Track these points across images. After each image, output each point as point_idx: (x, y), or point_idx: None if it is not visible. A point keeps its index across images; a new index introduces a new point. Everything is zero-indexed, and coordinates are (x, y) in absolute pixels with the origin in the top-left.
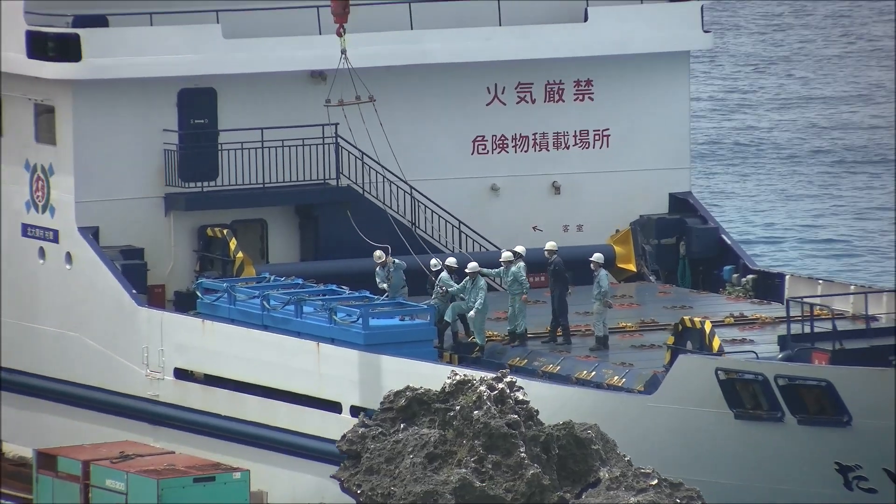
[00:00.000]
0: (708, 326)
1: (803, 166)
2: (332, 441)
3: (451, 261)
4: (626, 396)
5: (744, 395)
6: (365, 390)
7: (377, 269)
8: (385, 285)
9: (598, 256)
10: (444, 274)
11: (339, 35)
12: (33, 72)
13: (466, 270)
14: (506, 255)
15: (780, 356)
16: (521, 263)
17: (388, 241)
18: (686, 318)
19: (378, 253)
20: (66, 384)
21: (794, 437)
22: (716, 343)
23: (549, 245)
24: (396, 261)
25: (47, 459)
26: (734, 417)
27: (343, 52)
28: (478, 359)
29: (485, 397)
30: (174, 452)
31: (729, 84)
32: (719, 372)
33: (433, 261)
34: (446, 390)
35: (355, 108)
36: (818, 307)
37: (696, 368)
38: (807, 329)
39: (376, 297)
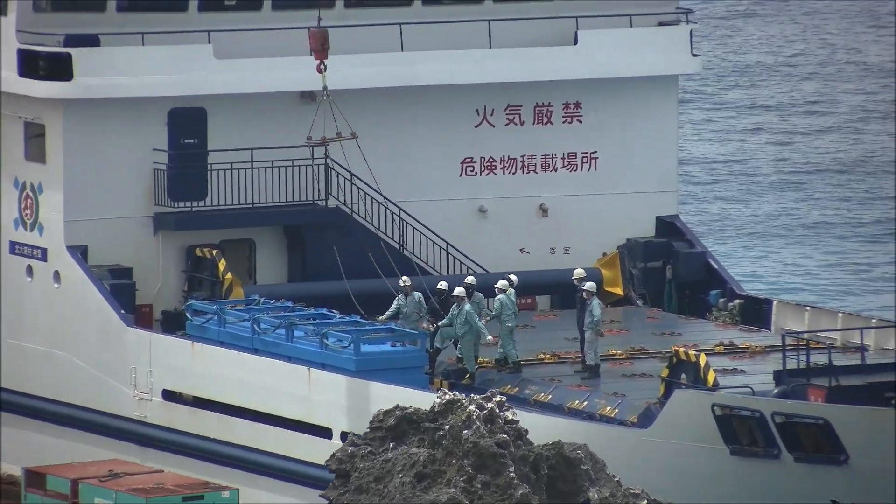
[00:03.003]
0: (703, 360)
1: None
2: (323, 467)
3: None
4: (621, 429)
5: (740, 431)
6: (355, 416)
7: (398, 296)
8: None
9: (590, 285)
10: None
11: (320, 72)
12: (24, 90)
13: (453, 295)
14: (501, 283)
15: (775, 392)
16: (512, 291)
17: (376, 262)
18: (680, 350)
19: (404, 278)
20: (53, 403)
21: (790, 475)
22: (711, 377)
23: (578, 272)
24: (417, 293)
25: (36, 477)
26: (730, 454)
27: (324, 88)
28: (469, 386)
29: (474, 417)
30: (163, 471)
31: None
32: (715, 408)
33: (442, 283)
34: (436, 409)
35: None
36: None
37: (691, 404)
38: (802, 363)
39: (366, 321)
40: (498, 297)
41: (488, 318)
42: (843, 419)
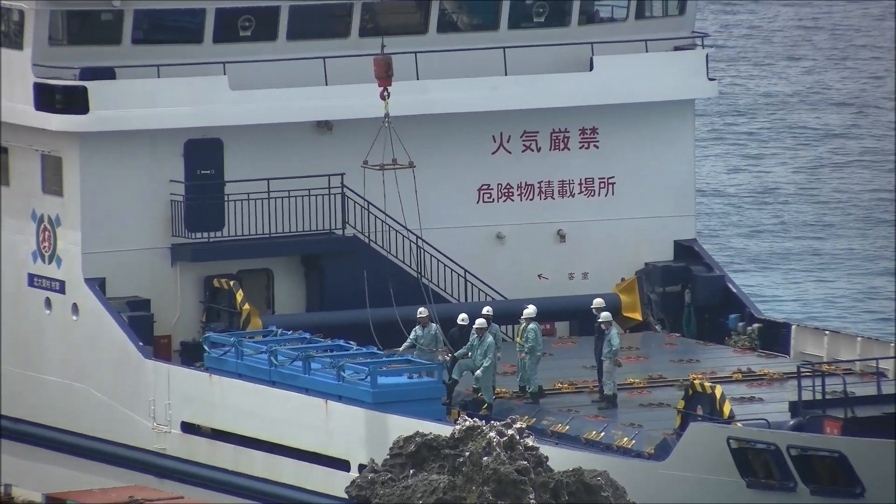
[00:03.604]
0: (719, 392)
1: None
2: (341, 499)
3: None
4: (637, 462)
5: (756, 464)
6: (373, 448)
7: (416, 328)
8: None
9: (606, 315)
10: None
11: (383, 98)
12: (41, 124)
13: (475, 327)
14: (528, 310)
15: (791, 423)
16: (535, 324)
17: (394, 290)
18: (696, 381)
19: (422, 309)
20: (73, 435)
21: None
22: (726, 409)
23: (597, 302)
24: (434, 324)
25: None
26: (746, 486)
27: (386, 115)
28: (486, 416)
29: (494, 443)
30: (183, 497)
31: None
32: (731, 441)
33: (462, 315)
34: (455, 436)
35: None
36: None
37: (707, 436)
38: (818, 394)
39: (383, 353)
40: (531, 326)
41: (525, 352)
42: (858, 452)
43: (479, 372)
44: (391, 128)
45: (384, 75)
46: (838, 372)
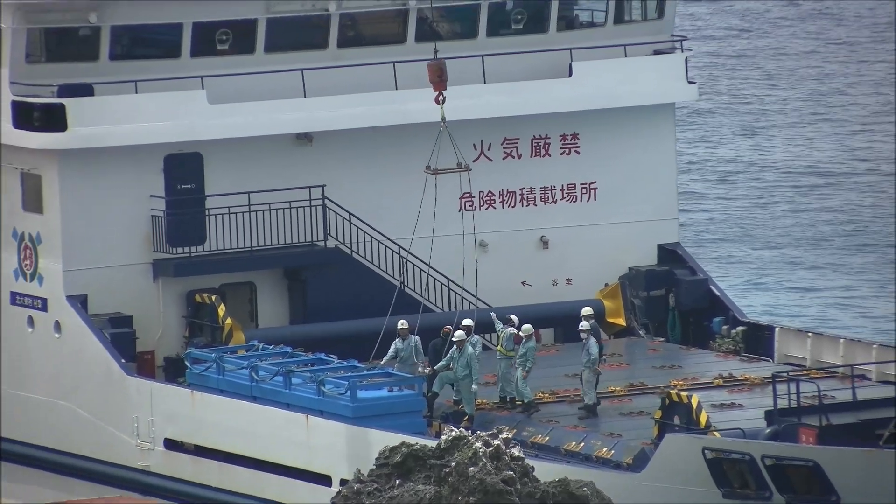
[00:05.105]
0: (695, 401)
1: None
2: None
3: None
4: (615, 474)
5: (731, 474)
6: (355, 463)
7: (396, 340)
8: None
9: (584, 324)
10: (508, 330)
11: (438, 103)
12: (19, 142)
13: (453, 339)
14: (525, 327)
15: (766, 432)
16: (512, 330)
17: (377, 301)
18: (673, 392)
19: (402, 322)
20: (56, 453)
21: None
22: (703, 418)
23: (585, 310)
24: (415, 336)
25: None
26: (722, 496)
27: (442, 119)
28: (467, 428)
29: (480, 454)
30: None
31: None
32: (706, 451)
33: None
34: (441, 446)
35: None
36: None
37: (683, 447)
38: (794, 401)
39: (364, 366)
40: (530, 344)
41: (526, 370)
42: (832, 461)
43: (474, 386)
44: (448, 132)
45: (437, 80)
46: (813, 377)
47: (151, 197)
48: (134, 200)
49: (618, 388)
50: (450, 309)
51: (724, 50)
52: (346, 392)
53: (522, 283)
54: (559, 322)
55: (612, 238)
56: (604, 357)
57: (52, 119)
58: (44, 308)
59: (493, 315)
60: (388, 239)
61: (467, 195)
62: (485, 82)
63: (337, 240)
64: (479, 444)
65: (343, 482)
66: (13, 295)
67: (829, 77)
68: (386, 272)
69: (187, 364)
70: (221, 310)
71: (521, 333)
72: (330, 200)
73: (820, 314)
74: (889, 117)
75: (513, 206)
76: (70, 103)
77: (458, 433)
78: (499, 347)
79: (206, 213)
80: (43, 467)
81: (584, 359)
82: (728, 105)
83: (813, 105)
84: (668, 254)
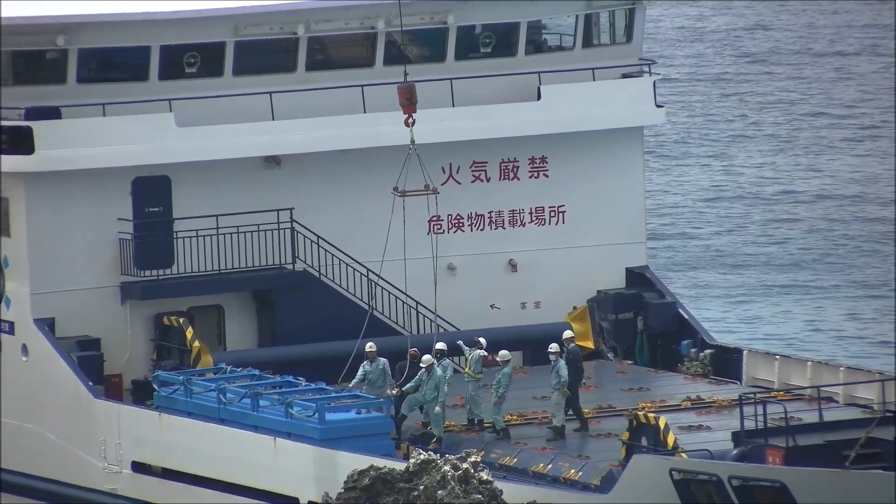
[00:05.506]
0: (662, 423)
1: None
2: None
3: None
4: (583, 495)
5: (699, 494)
6: (322, 485)
7: (364, 363)
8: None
9: (554, 346)
10: (477, 352)
11: (407, 125)
12: None
13: (421, 364)
14: (502, 353)
15: (734, 453)
16: (482, 352)
17: (346, 324)
18: (640, 413)
19: (370, 344)
20: (25, 477)
21: None
22: (670, 440)
23: (567, 334)
24: (383, 359)
25: None
26: None
27: (412, 142)
28: (436, 450)
29: (448, 477)
30: None
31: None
32: (673, 472)
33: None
34: (410, 470)
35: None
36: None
37: (650, 468)
38: (761, 423)
39: (332, 388)
40: (505, 370)
41: (498, 396)
42: (798, 481)
43: (437, 408)
44: (417, 155)
45: (407, 102)
46: (781, 399)
47: (119, 220)
48: (102, 223)
49: (586, 411)
50: (418, 332)
51: (696, 74)
52: (314, 414)
53: (491, 305)
54: (528, 345)
55: (580, 261)
56: (583, 381)
57: (20, 142)
58: (11, 331)
59: (461, 342)
60: (357, 262)
61: (436, 218)
62: (453, 105)
63: (305, 263)
64: (447, 468)
65: None
66: None
67: (801, 101)
68: (354, 295)
69: (155, 387)
70: (189, 332)
71: (497, 358)
72: (298, 223)
73: (791, 335)
74: (861, 141)
75: (481, 229)
76: (38, 126)
77: (427, 456)
78: (466, 370)
79: (175, 236)
80: (11, 491)
81: (553, 381)
82: (698, 128)
83: (786, 128)
84: (637, 277)
